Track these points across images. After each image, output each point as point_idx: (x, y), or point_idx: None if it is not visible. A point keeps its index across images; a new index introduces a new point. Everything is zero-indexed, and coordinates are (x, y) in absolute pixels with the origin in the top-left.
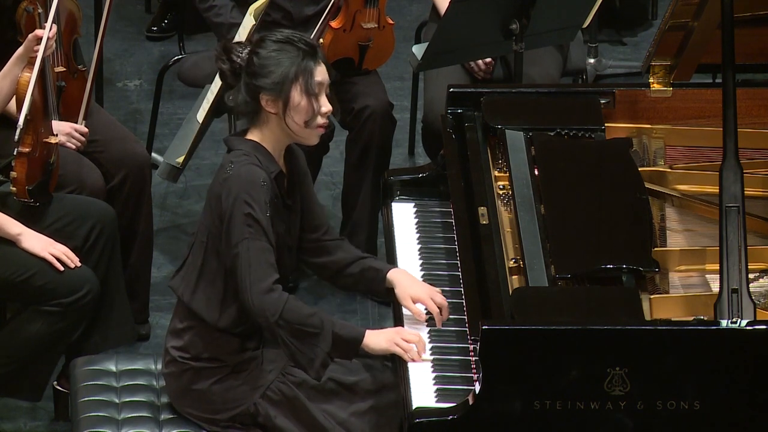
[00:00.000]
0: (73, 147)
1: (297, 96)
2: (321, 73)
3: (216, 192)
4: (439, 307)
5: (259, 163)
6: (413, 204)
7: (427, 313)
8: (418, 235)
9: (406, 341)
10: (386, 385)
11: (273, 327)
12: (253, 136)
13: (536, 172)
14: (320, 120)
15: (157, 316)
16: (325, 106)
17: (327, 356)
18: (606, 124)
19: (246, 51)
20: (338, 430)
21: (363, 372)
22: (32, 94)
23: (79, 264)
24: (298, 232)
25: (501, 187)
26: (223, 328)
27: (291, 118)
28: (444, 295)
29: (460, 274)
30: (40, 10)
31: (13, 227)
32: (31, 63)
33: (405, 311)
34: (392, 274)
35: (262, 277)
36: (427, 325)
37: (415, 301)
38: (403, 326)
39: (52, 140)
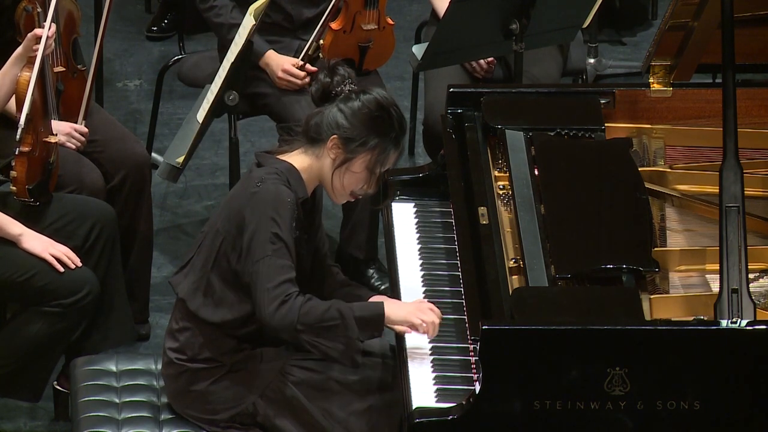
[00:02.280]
0: (73, 147)
1: (360, 164)
2: (392, 161)
3: (240, 204)
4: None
5: (288, 184)
6: (413, 204)
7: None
8: (418, 235)
9: (423, 321)
10: (386, 384)
11: (295, 335)
12: (293, 159)
13: (536, 172)
14: (359, 195)
15: (157, 316)
16: (373, 187)
17: (356, 341)
18: (606, 124)
19: (350, 86)
20: (337, 429)
21: (362, 371)
22: (32, 94)
23: (80, 264)
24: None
25: (501, 187)
26: (225, 331)
27: (341, 175)
28: (444, 295)
29: (460, 274)
30: (39, 10)
31: (14, 228)
32: (30, 62)
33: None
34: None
35: (279, 293)
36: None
37: (401, 324)
38: None
39: (52, 140)
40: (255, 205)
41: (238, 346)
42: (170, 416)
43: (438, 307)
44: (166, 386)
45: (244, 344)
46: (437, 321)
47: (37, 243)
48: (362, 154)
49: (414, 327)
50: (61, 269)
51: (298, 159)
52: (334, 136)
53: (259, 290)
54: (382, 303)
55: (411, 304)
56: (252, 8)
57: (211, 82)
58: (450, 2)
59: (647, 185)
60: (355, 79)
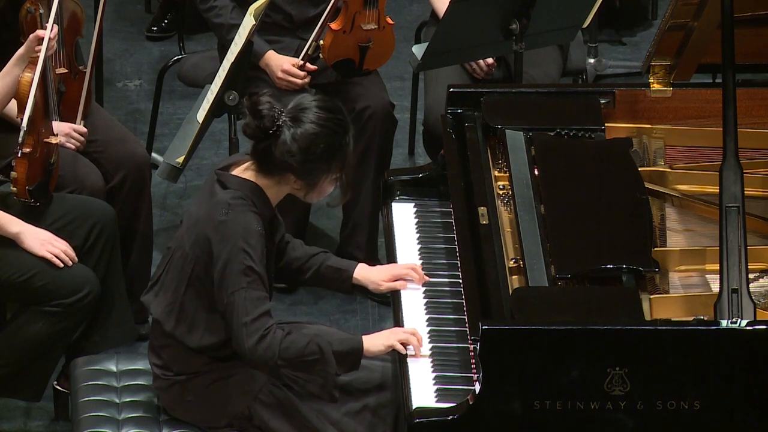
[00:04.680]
0: (73, 147)
1: (327, 186)
2: (351, 153)
3: (207, 230)
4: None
5: (255, 208)
6: (413, 204)
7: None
8: (418, 235)
9: (403, 342)
10: (380, 384)
11: (275, 370)
12: (256, 178)
13: (536, 172)
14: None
15: None
16: (342, 180)
17: (334, 376)
18: (606, 124)
19: (282, 120)
20: (332, 430)
21: (356, 372)
22: (34, 95)
23: (76, 261)
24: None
25: (501, 187)
26: (204, 352)
27: (312, 195)
28: (444, 295)
29: (460, 274)
30: (42, 11)
31: (13, 226)
32: (32, 63)
33: (404, 311)
34: (357, 274)
35: (258, 327)
36: (428, 325)
37: (388, 280)
38: (402, 326)
39: (53, 140)
40: (224, 236)
41: (220, 359)
42: (170, 416)
43: (438, 307)
44: (159, 397)
45: (226, 357)
46: (416, 333)
47: (36, 242)
48: (325, 180)
49: (395, 348)
50: (61, 265)
51: (259, 178)
52: (290, 174)
53: (237, 324)
54: (360, 337)
55: (386, 332)
56: (252, 8)
57: (211, 82)
58: (450, 2)
59: (647, 185)
60: (277, 105)
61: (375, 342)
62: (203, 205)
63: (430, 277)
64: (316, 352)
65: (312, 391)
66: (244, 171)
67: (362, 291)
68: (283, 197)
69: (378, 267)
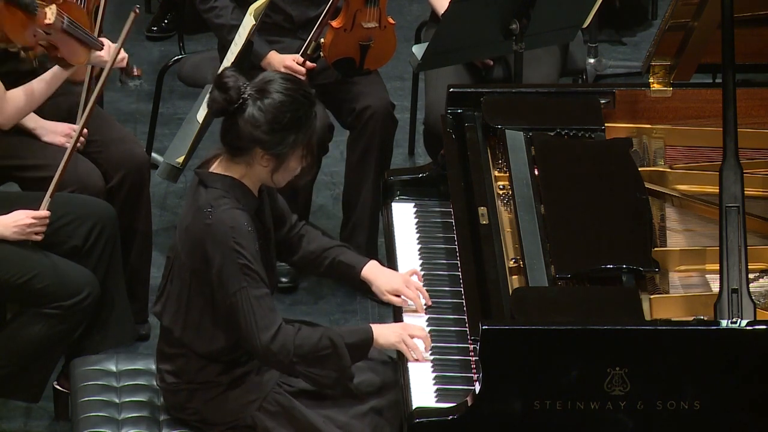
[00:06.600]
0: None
1: (295, 163)
2: (317, 130)
3: (198, 236)
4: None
5: (238, 204)
6: (413, 204)
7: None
8: (418, 235)
9: (412, 336)
10: (385, 386)
11: (290, 367)
12: (231, 171)
13: (536, 172)
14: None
15: None
16: (308, 159)
17: (349, 369)
18: (606, 124)
19: (248, 93)
20: None
21: (362, 374)
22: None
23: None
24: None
25: (501, 187)
26: (216, 358)
27: (280, 175)
28: (444, 295)
29: (460, 274)
30: (47, 9)
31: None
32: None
33: (404, 311)
34: (366, 273)
35: (268, 325)
36: (428, 325)
37: (392, 293)
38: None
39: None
40: (214, 239)
41: (232, 366)
42: (170, 416)
43: (438, 307)
44: (163, 398)
45: (239, 360)
46: (426, 334)
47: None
48: (292, 156)
49: (404, 351)
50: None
51: (234, 169)
52: (259, 149)
53: (245, 324)
54: (370, 328)
55: (397, 326)
56: (252, 8)
57: (211, 83)
58: (450, 2)
59: (647, 185)
60: (242, 78)
61: (385, 334)
62: (190, 211)
63: (429, 278)
64: (329, 346)
65: (326, 384)
66: (219, 165)
67: (365, 290)
68: (259, 183)
69: (387, 272)
